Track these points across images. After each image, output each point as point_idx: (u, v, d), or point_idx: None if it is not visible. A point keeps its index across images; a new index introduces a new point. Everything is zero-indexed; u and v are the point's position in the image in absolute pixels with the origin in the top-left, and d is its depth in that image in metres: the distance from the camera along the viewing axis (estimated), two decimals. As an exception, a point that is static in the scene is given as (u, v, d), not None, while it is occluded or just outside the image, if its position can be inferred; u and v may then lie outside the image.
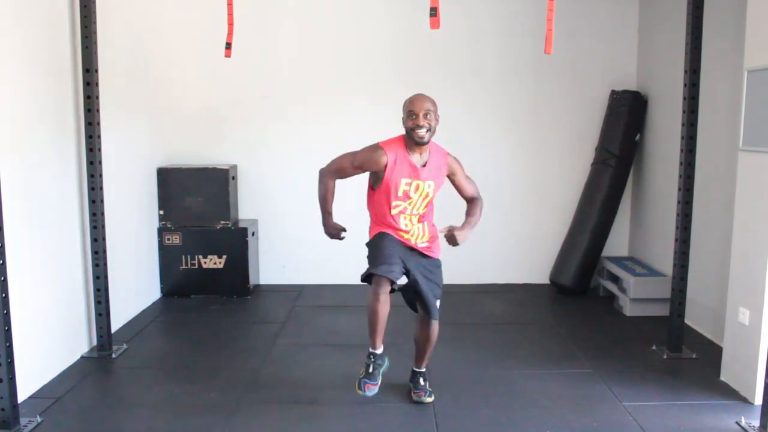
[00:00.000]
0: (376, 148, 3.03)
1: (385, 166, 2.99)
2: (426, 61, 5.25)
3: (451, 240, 3.00)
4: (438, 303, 3.16)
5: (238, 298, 5.04)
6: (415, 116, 2.93)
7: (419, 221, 3.11)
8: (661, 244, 4.77)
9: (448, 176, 3.17)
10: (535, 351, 3.97)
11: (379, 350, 3.05)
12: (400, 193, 3.01)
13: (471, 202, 3.25)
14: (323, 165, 3.31)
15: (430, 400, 3.26)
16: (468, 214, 3.19)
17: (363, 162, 3.05)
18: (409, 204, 3.04)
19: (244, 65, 5.14)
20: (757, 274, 3.16)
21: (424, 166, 3.03)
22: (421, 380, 3.32)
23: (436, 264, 3.19)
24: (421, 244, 3.12)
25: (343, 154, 3.17)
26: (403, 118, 3.01)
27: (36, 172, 3.41)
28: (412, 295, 3.17)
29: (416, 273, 3.05)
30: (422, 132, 2.93)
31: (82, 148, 3.78)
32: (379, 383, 3.03)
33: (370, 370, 3.02)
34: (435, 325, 3.18)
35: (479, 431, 2.97)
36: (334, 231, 3.22)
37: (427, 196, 3.07)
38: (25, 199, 3.29)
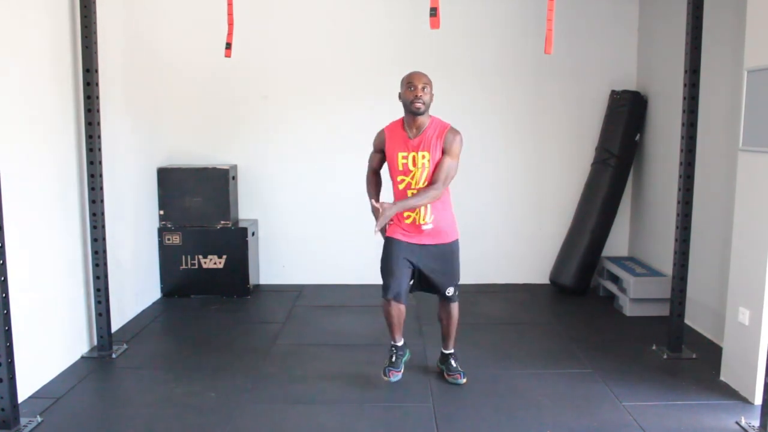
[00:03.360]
0: (380, 131, 3.37)
1: (385, 143, 3.30)
2: (426, 61, 5.21)
3: (376, 212, 3.11)
4: (452, 290, 3.37)
5: (238, 298, 5.04)
6: (414, 88, 3.15)
7: None
8: (661, 244, 4.77)
9: (443, 150, 3.20)
10: (535, 351, 3.97)
11: (399, 342, 3.45)
12: (400, 167, 3.23)
13: (429, 184, 3.20)
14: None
15: (464, 381, 3.41)
16: (414, 194, 3.18)
17: (375, 145, 3.41)
18: (411, 177, 3.21)
19: (244, 65, 5.14)
20: (757, 274, 3.16)
21: (419, 137, 3.19)
22: (453, 362, 3.48)
23: (450, 250, 3.33)
24: (425, 226, 3.24)
25: None
26: (400, 93, 3.21)
27: (36, 172, 3.41)
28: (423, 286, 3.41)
29: (424, 271, 3.28)
30: (419, 103, 3.13)
31: (82, 148, 3.78)
32: (402, 371, 3.41)
33: (393, 359, 3.42)
34: (454, 304, 3.41)
35: (479, 431, 2.98)
36: (374, 213, 3.16)
37: (424, 167, 3.19)
38: (25, 198, 3.29)
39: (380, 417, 3.12)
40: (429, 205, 3.22)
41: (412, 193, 3.21)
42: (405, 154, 3.20)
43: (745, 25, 3.28)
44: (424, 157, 3.18)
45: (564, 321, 4.56)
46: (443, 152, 3.20)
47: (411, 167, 3.20)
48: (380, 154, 3.39)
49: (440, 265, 3.31)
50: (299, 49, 5.23)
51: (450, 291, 3.35)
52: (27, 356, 3.21)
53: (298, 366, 3.71)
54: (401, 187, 3.24)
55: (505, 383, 3.47)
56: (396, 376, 3.37)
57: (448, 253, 3.33)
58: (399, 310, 3.31)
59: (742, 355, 3.31)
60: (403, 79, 3.22)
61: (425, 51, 5.21)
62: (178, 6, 5.15)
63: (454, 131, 3.21)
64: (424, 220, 3.23)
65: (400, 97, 3.22)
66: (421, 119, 3.18)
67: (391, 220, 3.29)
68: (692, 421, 3.05)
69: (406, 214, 3.24)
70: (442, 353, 3.54)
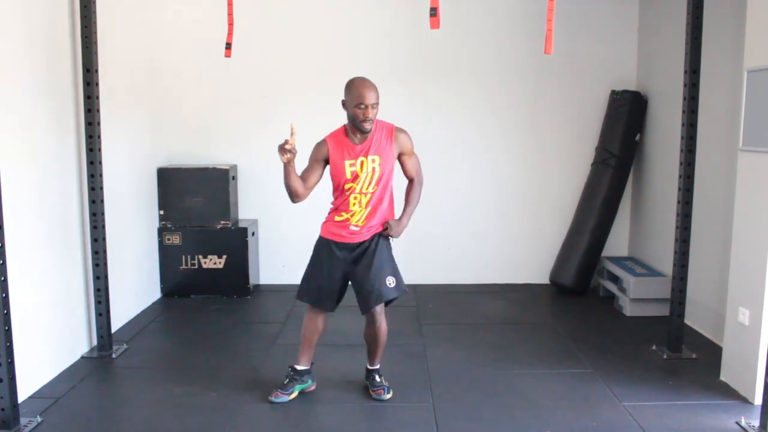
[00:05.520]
0: (321, 141, 3.16)
1: (328, 153, 3.10)
2: (426, 61, 5.25)
3: (387, 232, 3.15)
4: (392, 280, 3.13)
5: (238, 298, 5.04)
6: (365, 107, 2.96)
7: (367, 206, 3.12)
8: (661, 244, 4.77)
9: (400, 154, 3.16)
10: (535, 351, 3.97)
11: (300, 367, 3.27)
12: (348, 175, 3.09)
13: (411, 183, 3.29)
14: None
15: (389, 396, 3.27)
16: (408, 201, 3.26)
17: (314, 155, 3.16)
18: (357, 183, 3.09)
19: (244, 65, 5.14)
20: (757, 274, 3.16)
21: (365, 143, 3.08)
22: (377, 377, 3.34)
23: (379, 242, 3.16)
24: (353, 227, 3.14)
25: None
26: (344, 101, 3.04)
27: (36, 172, 3.41)
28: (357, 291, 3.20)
29: (359, 270, 3.13)
30: (368, 124, 2.99)
31: (82, 148, 3.78)
32: (292, 396, 3.24)
33: (285, 381, 3.26)
34: (381, 322, 3.19)
35: (479, 431, 2.98)
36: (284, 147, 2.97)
37: (374, 171, 3.08)
38: (25, 199, 3.29)
39: (380, 417, 3.12)
40: (368, 210, 3.11)
41: (355, 199, 3.10)
42: (353, 161, 3.07)
43: (745, 25, 3.28)
44: (374, 161, 3.07)
45: (564, 321, 4.56)
46: (401, 153, 3.16)
47: (360, 172, 3.07)
48: (318, 164, 3.13)
49: (374, 255, 3.13)
50: (299, 49, 5.23)
51: (391, 281, 3.12)
52: (27, 356, 3.21)
53: (298, 366, 3.71)
54: (347, 193, 3.11)
55: (505, 383, 3.47)
56: (279, 398, 3.21)
57: (378, 243, 3.15)
58: (314, 324, 3.26)
59: (742, 355, 3.31)
60: (350, 88, 3.00)
61: (425, 51, 5.21)
62: (178, 5, 5.14)
63: (400, 130, 3.15)
64: (356, 223, 3.13)
65: (344, 104, 3.03)
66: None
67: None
68: (692, 421, 3.05)
69: (343, 215, 3.15)
70: (367, 369, 3.38)
